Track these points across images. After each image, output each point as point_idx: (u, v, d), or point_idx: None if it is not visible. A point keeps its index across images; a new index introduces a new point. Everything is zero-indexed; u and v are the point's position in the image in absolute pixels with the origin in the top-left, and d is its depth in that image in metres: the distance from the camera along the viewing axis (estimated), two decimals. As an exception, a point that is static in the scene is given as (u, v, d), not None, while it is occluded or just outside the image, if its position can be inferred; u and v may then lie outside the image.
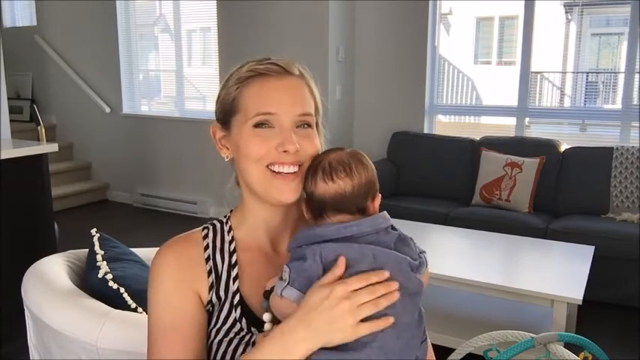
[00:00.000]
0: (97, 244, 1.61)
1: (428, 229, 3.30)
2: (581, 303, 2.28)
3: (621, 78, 4.11)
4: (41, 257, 1.61)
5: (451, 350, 1.59)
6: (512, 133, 4.25)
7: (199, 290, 0.92)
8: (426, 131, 4.46)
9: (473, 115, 5.78)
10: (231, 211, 1.04)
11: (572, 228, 3.31)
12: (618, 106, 4.36)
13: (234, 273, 0.94)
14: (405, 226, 3.45)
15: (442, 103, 4.67)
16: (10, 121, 3.39)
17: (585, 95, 6.83)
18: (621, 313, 3.11)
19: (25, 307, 1.51)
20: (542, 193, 3.71)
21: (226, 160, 1.00)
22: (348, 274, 0.78)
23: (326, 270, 0.79)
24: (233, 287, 0.93)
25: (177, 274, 0.93)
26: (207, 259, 0.96)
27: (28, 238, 3.04)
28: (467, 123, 5.67)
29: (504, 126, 4.58)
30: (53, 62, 5.69)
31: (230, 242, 0.98)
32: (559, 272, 2.68)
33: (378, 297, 0.78)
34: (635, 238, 3.13)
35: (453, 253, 3.03)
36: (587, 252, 2.80)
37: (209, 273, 0.94)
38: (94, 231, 1.66)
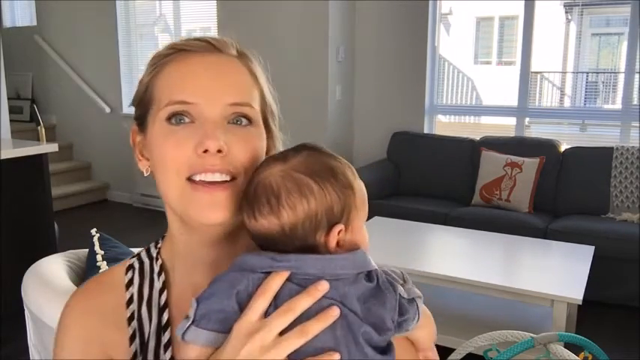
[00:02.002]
0: (97, 244, 1.61)
1: (428, 229, 3.30)
2: (581, 303, 2.28)
3: (621, 78, 4.11)
4: (41, 257, 1.61)
5: (451, 350, 1.59)
6: (512, 133, 4.25)
7: (115, 357, 0.70)
8: (426, 131, 4.46)
9: (473, 115, 5.78)
10: (164, 237, 0.78)
11: (572, 228, 3.31)
12: (618, 106, 4.36)
13: (165, 338, 0.70)
14: (405, 226, 3.46)
15: (442, 103, 4.67)
16: (10, 121, 3.39)
17: (585, 95, 6.84)
18: (621, 313, 3.11)
19: (25, 307, 1.51)
20: (542, 193, 3.71)
21: (145, 174, 0.74)
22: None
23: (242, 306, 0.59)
24: (164, 358, 0.69)
25: (86, 335, 0.71)
26: (131, 318, 0.71)
27: (28, 238, 3.05)
28: (467, 123, 5.67)
29: (504, 126, 4.58)
30: (53, 62, 5.69)
31: (161, 292, 0.73)
32: (559, 272, 2.67)
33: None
34: (635, 238, 3.13)
35: (453, 253, 3.02)
36: (587, 252, 2.80)
37: (132, 338, 0.70)
38: (94, 231, 1.66)
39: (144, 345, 0.70)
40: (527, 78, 4.17)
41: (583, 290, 2.31)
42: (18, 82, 5.84)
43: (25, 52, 5.80)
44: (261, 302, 0.57)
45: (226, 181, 0.65)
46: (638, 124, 3.87)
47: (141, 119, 0.71)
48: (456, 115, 5.52)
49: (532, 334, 1.38)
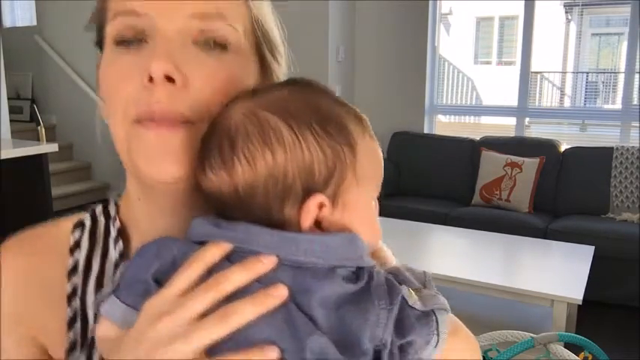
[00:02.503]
0: (97, 244, 1.60)
1: (428, 229, 3.30)
2: (581, 303, 2.28)
3: (621, 78, 4.12)
4: (41, 257, 1.61)
5: (451, 350, 1.59)
6: (512, 133, 4.25)
7: (48, 346, 0.52)
8: (426, 131, 4.46)
9: (473, 115, 5.79)
10: (119, 196, 0.60)
11: (572, 228, 3.31)
12: (618, 106, 4.37)
13: None
14: (405, 226, 3.46)
15: (442, 103, 4.68)
16: (10, 121, 3.39)
17: (585, 95, 6.84)
18: (621, 313, 3.11)
19: (25, 307, 1.50)
20: (542, 193, 3.71)
21: (105, 119, 0.55)
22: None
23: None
24: None
25: (12, 308, 0.52)
26: (72, 295, 0.53)
27: (28, 238, 3.05)
28: (467, 123, 5.68)
29: (504, 126, 4.58)
30: (53, 62, 5.69)
31: (116, 265, 0.54)
32: (559, 272, 2.67)
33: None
34: (635, 238, 3.13)
35: (453, 253, 3.02)
36: (587, 252, 2.80)
37: (71, 322, 0.52)
38: (94, 231, 1.66)
39: (86, 333, 0.51)
40: (527, 78, 4.17)
41: (583, 290, 2.31)
42: (18, 82, 5.84)
43: (25, 52, 5.79)
44: (183, 277, 0.41)
45: (175, 120, 0.47)
46: (638, 124, 3.87)
47: (100, 44, 0.53)
48: (456, 115, 5.53)
49: (532, 334, 1.38)
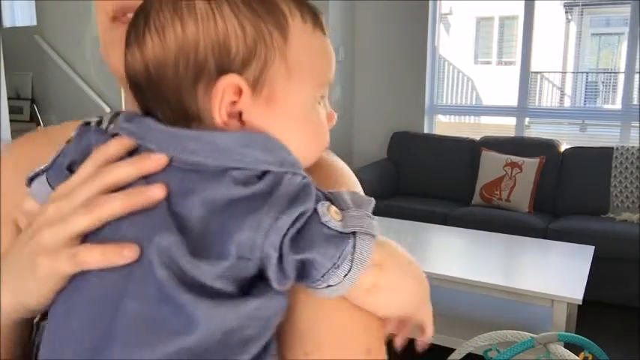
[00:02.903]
0: (97, 244, 1.61)
1: (428, 229, 3.30)
2: (581, 303, 2.28)
3: (621, 78, 4.12)
4: (41, 257, 1.61)
5: (451, 350, 1.60)
6: (512, 133, 4.25)
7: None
8: (426, 131, 4.46)
9: (473, 115, 5.79)
10: None
11: (572, 228, 3.31)
12: (618, 106, 4.37)
13: None
14: (405, 226, 3.46)
15: (442, 103, 4.68)
16: (10, 121, 3.39)
17: (585, 95, 6.85)
18: (621, 313, 3.11)
19: (25, 307, 1.50)
20: (542, 193, 3.71)
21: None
22: None
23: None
24: None
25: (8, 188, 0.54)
26: None
27: (28, 238, 3.04)
28: (467, 123, 5.68)
29: (504, 126, 4.58)
30: (53, 62, 5.69)
31: None
32: (559, 272, 2.68)
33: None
34: (635, 238, 3.13)
35: (453, 253, 3.03)
36: (587, 252, 2.79)
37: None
38: (94, 231, 1.66)
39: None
40: (527, 78, 4.17)
41: (583, 290, 2.31)
42: (18, 82, 5.84)
43: (25, 52, 5.79)
44: (83, 169, 0.41)
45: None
46: (638, 124, 3.87)
47: None
48: (456, 115, 5.53)
49: (532, 334, 1.38)
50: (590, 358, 1.36)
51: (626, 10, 3.96)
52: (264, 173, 0.38)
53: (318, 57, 0.44)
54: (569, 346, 1.40)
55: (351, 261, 0.38)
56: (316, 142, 0.44)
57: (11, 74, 4.90)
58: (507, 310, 2.77)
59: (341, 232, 0.38)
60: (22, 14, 6.31)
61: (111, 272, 0.37)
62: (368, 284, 0.40)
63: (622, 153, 3.60)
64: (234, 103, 0.40)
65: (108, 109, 5.44)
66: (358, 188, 0.50)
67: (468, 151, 4.04)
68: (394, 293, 0.43)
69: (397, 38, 4.42)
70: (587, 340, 1.37)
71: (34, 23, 5.90)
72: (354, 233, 0.38)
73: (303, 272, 0.38)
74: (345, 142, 4.58)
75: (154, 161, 0.39)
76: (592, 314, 2.97)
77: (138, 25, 0.40)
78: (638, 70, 3.84)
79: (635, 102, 3.93)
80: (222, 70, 0.39)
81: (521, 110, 4.23)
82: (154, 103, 0.41)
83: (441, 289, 2.75)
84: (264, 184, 0.38)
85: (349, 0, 4.47)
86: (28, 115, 5.72)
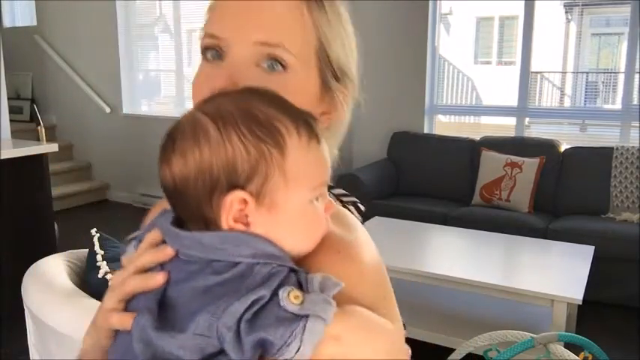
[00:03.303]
0: (97, 244, 1.61)
1: (428, 229, 3.30)
2: (581, 303, 2.28)
3: (621, 78, 4.12)
4: (41, 257, 1.61)
5: (451, 350, 1.60)
6: (512, 133, 4.25)
7: None
8: (426, 131, 4.46)
9: (473, 115, 5.78)
10: None
11: (572, 228, 3.31)
12: (618, 106, 4.36)
13: None
14: (405, 226, 3.46)
15: (442, 103, 4.67)
16: (10, 121, 3.38)
17: (585, 95, 6.84)
18: (621, 313, 3.11)
19: (25, 307, 1.51)
20: (542, 193, 3.71)
21: None
22: None
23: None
24: None
25: None
26: None
27: (28, 238, 3.04)
28: (467, 123, 5.67)
29: (504, 126, 4.58)
30: (53, 62, 5.69)
31: None
32: (559, 272, 2.68)
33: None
34: (635, 238, 3.13)
35: (453, 253, 3.03)
36: (587, 252, 2.80)
37: None
38: (93, 231, 1.67)
39: None
40: (527, 78, 4.17)
41: (583, 290, 2.31)
42: (18, 82, 5.84)
43: (25, 52, 5.79)
44: (140, 246, 0.56)
45: None
46: (638, 124, 3.87)
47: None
48: (456, 115, 5.52)
49: (532, 334, 1.38)
50: (590, 358, 1.36)
51: (626, 10, 3.95)
52: (237, 264, 0.47)
53: (312, 166, 0.52)
54: (569, 346, 1.40)
55: (301, 340, 0.44)
56: (311, 234, 0.53)
57: (11, 74, 4.90)
58: (507, 310, 2.77)
59: (295, 315, 0.44)
60: (22, 14, 6.31)
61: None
62: (326, 356, 0.46)
63: (622, 153, 3.60)
64: (241, 209, 0.49)
65: (107, 110, 5.44)
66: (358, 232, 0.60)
67: (468, 151, 4.04)
68: (360, 353, 0.48)
69: (397, 38, 4.42)
70: (587, 340, 1.37)
71: (34, 23, 5.89)
72: (307, 316, 0.45)
73: (264, 347, 0.45)
74: (345, 142, 4.54)
75: (165, 254, 0.51)
76: (592, 314, 2.97)
77: (167, 149, 0.51)
78: (638, 70, 3.84)
79: (635, 102, 3.93)
80: (231, 186, 0.49)
81: (521, 110, 4.23)
82: (181, 207, 0.52)
83: (441, 289, 2.75)
84: (232, 273, 0.46)
85: (349, 0, 4.46)
86: (28, 115, 5.72)
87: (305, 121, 0.52)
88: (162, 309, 0.48)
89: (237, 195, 0.49)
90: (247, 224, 0.50)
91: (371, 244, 0.60)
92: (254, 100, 0.51)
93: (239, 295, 0.45)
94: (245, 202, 0.49)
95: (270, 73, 0.58)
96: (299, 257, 0.52)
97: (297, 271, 0.49)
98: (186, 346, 0.45)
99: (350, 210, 0.69)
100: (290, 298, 0.45)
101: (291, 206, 0.50)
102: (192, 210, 0.50)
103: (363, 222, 0.68)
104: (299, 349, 0.44)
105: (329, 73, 0.63)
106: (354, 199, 0.71)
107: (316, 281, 0.47)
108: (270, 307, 0.45)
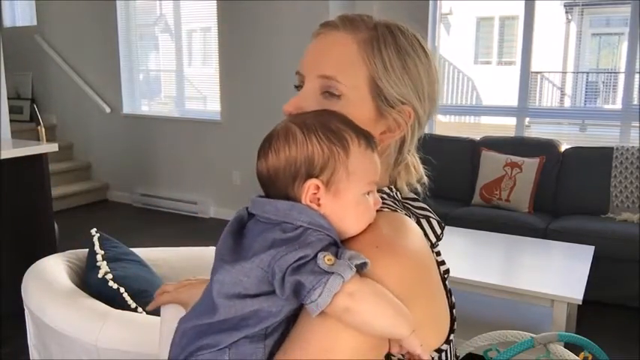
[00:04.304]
0: (97, 244, 1.61)
1: (428, 229, 3.29)
2: (581, 303, 2.28)
3: (621, 78, 4.12)
4: (41, 257, 1.61)
5: (451, 350, 1.59)
6: (512, 133, 4.25)
7: None
8: (426, 131, 4.45)
9: (473, 115, 5.78)
10: None
11: (572, 228, 3.31)
12: (618, 106, 4.36)
13: None
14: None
15: (442, 103, 4.67)
16: (10, 121, 3.38)
17: (585, 95, 6.84)
18: (621, 313, 3.11)
19: (25, 307, 1.51)
20: (542, 193, 3.71)
21: None
22: None
23: None
24: None
25: None
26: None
27: (28, 238, 3.04)
28: (467, 123, 5.67)
29: (504, 126, 4.58)
30: (53, 62, 5.69)
31: None
32: (559, 272, 2.68)
33: None
34: (635, 238, 3.13)
35: (453, 253, 3.02)
36: (587, 252, 2.80)
37: None
38: (94, 231, 1.67)
39: None
40: (527, 78, 4.17)
41: (583, 290, 2.31)
42: (18, 82, 5.84)
43: (25, 52, 5.80)
44: None
45: None
46: (638, 124, 3.87)
47: None
48: (456, 115, 5.52)
49: (532, 334, 1.38)
50: (590, 358, 1.35)
51: (626, 10, 3.95)
52: (298, 227, 0.64)
53: (367, 166, 0.69)
54: (569, 346, 1.40)
55: (322, 288, 0.59)
56: (361, 219, 0.68)
57: (11, 74, 4.90)
58: (507, 310, 2.77)
59: (325, 271, 0.60)
60: (22, 14, 6.31)
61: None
62: (342, 307, 0.60)
63: (622, 153, 3.60)
64: (315, 193, 0.66)
65: (107, 110, 5.44)
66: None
67: (468, 151, 4.04)
68: (364, 315, 0.61)
69: (397, 38, 4.41)
70: (587, 340, 1.36)
71: (34, 23, 5.89)
72: (332, 273, 0.60)
73: (298, 290, 0.60)
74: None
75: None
76: (592, 314, 2.96)
77: (264, 148, 0.69)
78: (638, 70, 3.84)
79: (635, 102, 3.93)
80: (309, 175, 0.66)
81: (521, 110, 4.23)
82: (271, 191, 0.69)
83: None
84: (294, 233, 0.63)
85: (349, 0, 4.47)
86: (28, 114, 5.72)
87: (364, 134, 0.69)
88: (236, 251, 0.66)
89: (313, 182, 0.66)
90: (319, 205, 0.66)
91: (422, 254, 0.72)
92: (328, 117, 0.70)
93: (292, 249, 0.61)
94: (318, 187, 0.66)
95: (328, 100, 0.75)
96: (344, 238, 0.67)
97: (338, 243, 0.65)
98: (250, 274, 0.63)
99: (420, 222, 0.82)
100: (324, 260, 0.60)
101: (350, 195, 0.67)
102: (279, 193, 0.68)
103: (438, 237, 0.85)
104: (321, 294, 0.59)
105: (381, 101, 0.76)
106: (429, 214, 0.86)
107: (348, 253, 0.62)
108: (310, 263, 0.60)
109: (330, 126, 0.68)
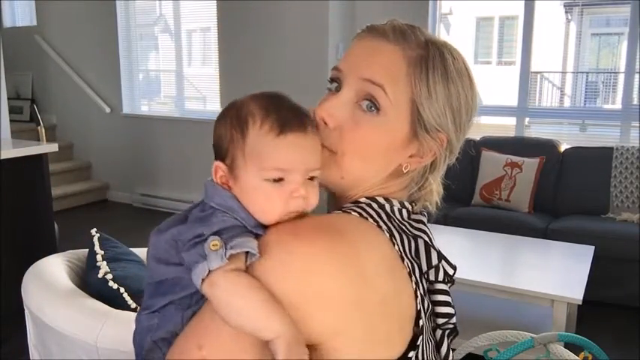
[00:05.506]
0: (97, 244, 1.61)
1: (428, 229, 3.29)
2: (581, 303, 2.28)
3: (621, 78, 4.12)
4: (41, 257, 1.61)
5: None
6: (512, 133, 4.25)
7: None
8: (426, 131, 4.45)
9: (473, 115, 5.78)
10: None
11: (572, 228, 3.30)
12: (618, 106, 4.36)
13: None
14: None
15: (442, 103, 4.67)
16: (10, 121, 3.38)
17: (585, 95, 6.84)
18: (621, 313, 3.11)
19: (25, 307, 1.51)
20: (542, 193, 3.71)
21: None
22: None
23: None
24: None
25: None
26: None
27: (28, 238, 3.04)
28: (467, 123, 5.66)
29: (504, 126, 4.57)
30: (53, 62, 5.69)
31: None
32: (559, 272, 2.67)
33: None
34: (635, 238, 3.13)
35: (453, 253, 3.00)
36: (587, 252, 2.80)
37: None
38: (94, 231, 1.66)
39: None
40: (527, 78, 4.17)
41: (583, 290, 2.31)
42: (18, 82, 5.84)
43: (25, 52, 5.79)
44: None
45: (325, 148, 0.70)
46: (638, 124, 3.87)
47: None
48: (455, 115, 5.52)
49: (532, 334, 1.38)
50: (590, 358, 1.35)
51: (626, 10, 3.96)
52: (211, 207, 0.67)
53: (270, 153, 0.65)
54: (569, 346, 1.40)
55: (194, 270, 0.62)
56: (263, 207, 0.66)
57: (11, 74, 4.90)
58: (507, 310, 2.77)
59: (204, 254, 0.61)
60: (22, 14, 6.30)
61: None
62: (207, 293, 0.62)
63: (622, 153, 3.60)
64: (222, 175, 0.68)
65: (107, 110, 5.44)
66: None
67: (468, 151, 4.03)
68: (223, 308, 0.61)
69: (397, 38, 4.41)
70: (587, 340, 1.36)
71: (34, 23, 5.89)
72: (206, 256, 0.61)
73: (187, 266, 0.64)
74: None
75: None
76: (592, 314, 2.96)
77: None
78: (638, 70, 3.84)
79: (635, 102, 3.93)
80: (218, 156, 0.69)
81: (521, 110, 4.23)
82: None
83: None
84: (205, 213, 0.66)
85: (349, 0, 4.47)
86: (28, 114, 5.72)
87: (284, 117, 0.65)
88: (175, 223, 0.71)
89: (217, 164, 0.69)
90: (229, 187, 0.68)
91: (361, 258, 0.64)
92: (253, 99, 0.68)
93: (193, 227, 0.64)
94: (220, 170, 0.68)
95: (365, 113, 0.70)
96: (264, 224, 0.66)
97: (247, 227, 0.65)
98: (166, 244, 0.68)
99: (417, 241, 0.79)
100: (210, 244, 0.61)
101: (245, 181, 0.67)
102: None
103: (447, 276, 0.82)
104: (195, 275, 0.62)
105: (418, 125, 0.72)
106: (421, 234, 0.82)
107: (234, 241, 0.62)
108: (202, 243, 0.62)
109: (239, 107, 0.68)
